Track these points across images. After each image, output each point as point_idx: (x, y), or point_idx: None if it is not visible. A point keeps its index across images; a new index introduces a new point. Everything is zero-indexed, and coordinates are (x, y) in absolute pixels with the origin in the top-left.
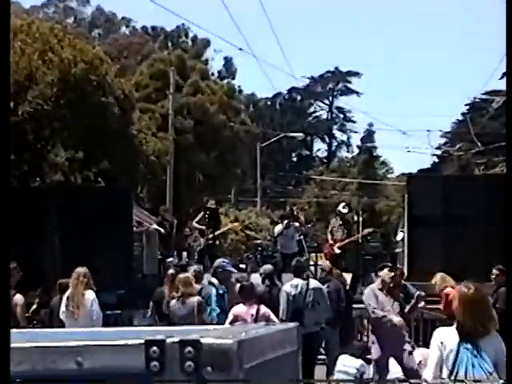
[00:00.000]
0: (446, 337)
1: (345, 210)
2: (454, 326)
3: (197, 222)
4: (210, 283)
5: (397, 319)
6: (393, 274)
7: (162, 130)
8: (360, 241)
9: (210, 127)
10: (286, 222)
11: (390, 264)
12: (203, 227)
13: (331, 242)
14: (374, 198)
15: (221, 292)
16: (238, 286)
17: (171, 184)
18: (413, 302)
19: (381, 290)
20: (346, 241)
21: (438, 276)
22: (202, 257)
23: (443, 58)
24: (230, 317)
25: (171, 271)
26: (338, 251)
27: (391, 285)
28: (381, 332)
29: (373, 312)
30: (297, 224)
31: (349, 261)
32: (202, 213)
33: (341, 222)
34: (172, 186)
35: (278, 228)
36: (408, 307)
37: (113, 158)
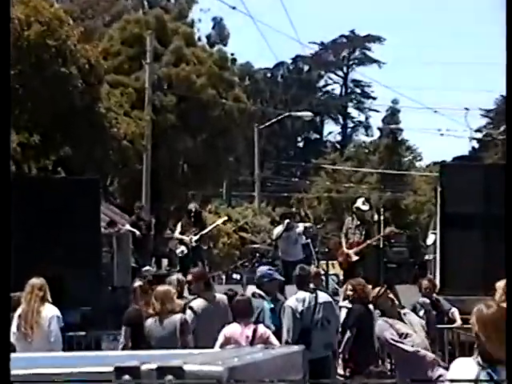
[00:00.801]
0: (463, 372)
1: (365, 207)
2: (474, 356)
3: (180, 233)
4: (260, 296)
5: (430, 355)
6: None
7: (137, 108)
8: (381, 245)
9: (196, 105)
10: (287, 221)
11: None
12: (185, 238)
13: (346, 246)
14: (398, 192)
15: (272, 306)
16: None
17: (148, 175)
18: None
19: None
20: (364, 244)
21: (501, 285)
22: (185, 265)
23: (483, 20)
24: (221, 339)
25: (138, 283)
26: (354, 258)
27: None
28: (409, 366)
29: (402, 349)
30: (301, 225)
31: (368, 270)
32: (182, 221)
33: (358, 222)
34: (149, 178)
35: (278, 230)
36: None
37: (76, 143)
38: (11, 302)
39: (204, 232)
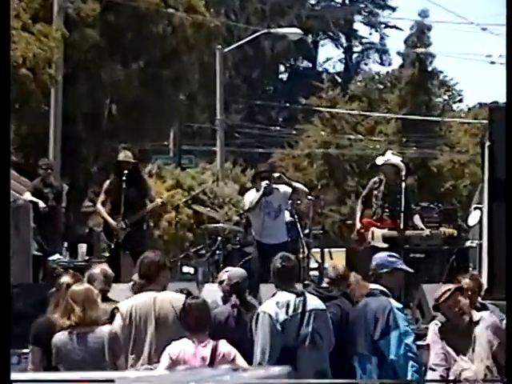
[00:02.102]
0: None
1: (398, 161)
2: None
3: (103, 203)
4: (382, 293)
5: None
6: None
7: (42, 20)
8: (401, 225)
9: (130, 16)
10: (264, 184)
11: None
12: (114, 223)
13: (368, 221)
14: (427, 147)
15: (401, 306)
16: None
17: (58, 120)
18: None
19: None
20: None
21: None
22: (116, 253)
23: None
24: (164, 362)
25: (66, 279)
26: (381, 245)
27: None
28: None
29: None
30: (283, 189)
31: None
32: (107, 183)
33: (385, 189)
34: (60, 125)
35: (251, 196)
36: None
37: None
38: None
39: (139, 216)
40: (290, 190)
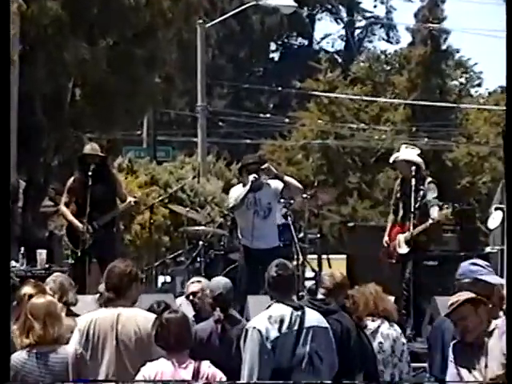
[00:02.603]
0: None
1: (415, 157)
2: None
3: (67, 204)
4: None
5: None
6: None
7: None
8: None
9: None
10: (252, 178)
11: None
12: (81, 226)
13: (395, 230)
14: (441, 138)
15: None
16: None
17: (14, 106)
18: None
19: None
20: (421, 227)
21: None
22: (81, 260)
23: None
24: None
25: (27, 289)
26: (403, 250)
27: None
28: None
29: None
30: (274, 184)
31: (388, 270)
32: (71, 181)
33: (398, 188)
34: (16, 111)
35: (238, 192)
36: None
37: None
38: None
39: (109, 217)
40: (281, 185)
